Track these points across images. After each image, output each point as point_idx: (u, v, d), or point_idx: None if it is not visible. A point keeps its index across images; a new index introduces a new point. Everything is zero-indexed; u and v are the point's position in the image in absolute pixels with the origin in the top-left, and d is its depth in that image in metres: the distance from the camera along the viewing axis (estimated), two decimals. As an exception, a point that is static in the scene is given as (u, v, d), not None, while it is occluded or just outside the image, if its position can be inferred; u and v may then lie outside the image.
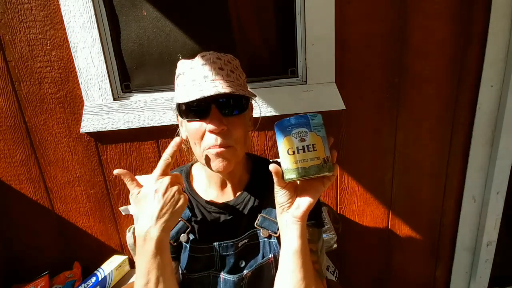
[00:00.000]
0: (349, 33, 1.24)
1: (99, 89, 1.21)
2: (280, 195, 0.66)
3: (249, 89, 0.87)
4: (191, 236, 0.81)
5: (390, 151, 1.42)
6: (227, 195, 0.85)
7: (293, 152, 0.61)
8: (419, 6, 1.23)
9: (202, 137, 0.72)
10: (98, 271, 1.28)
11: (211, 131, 0.70)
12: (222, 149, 0.71)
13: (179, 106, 0.73)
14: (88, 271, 1.33)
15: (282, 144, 0.62)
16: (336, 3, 1.19)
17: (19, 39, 1.14)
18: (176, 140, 0.71)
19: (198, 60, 0.74)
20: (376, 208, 1.49)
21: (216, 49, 0.78)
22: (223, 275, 0.79)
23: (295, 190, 0.67)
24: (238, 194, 0.84)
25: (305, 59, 1.26)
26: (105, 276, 1.25)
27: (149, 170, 1.31)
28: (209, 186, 0.85)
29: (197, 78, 0.71)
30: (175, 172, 0.89)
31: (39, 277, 1.27)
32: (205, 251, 0.80)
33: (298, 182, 0.67)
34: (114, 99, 1.24)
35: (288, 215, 0.66)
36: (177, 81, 0.75)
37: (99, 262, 1.34)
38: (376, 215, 1.51)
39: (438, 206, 1.53)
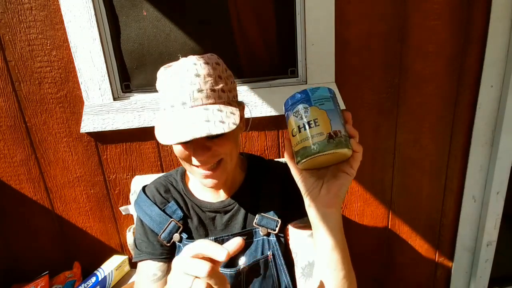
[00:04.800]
0: (349, 33, 1.24)
1: (99, 89, 1.21)
2: (299, 183, 0.61)
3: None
4: (184, 235, 0.81)
5: (390, 151, 1.42)
6: (222, 195, 0.85)
7: (295, 133, 0.54)
8: (419, 6, 1.23)
9: (188, 158, 0.70)
10: (98, 271, 1.28)
11: (196, 159, 0.69)
12: (209, 172, 0.71)
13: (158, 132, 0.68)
14: (88, 271, 1.33)
15: (288, 127, 0.57)
16: (336, 3, 1.19)
17: (19, 39, 1.14)
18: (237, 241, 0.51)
19: (175, 77, 0.67)
20: (376, 208, 1.49)
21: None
22: (220, 269, 0.80)
23: (320, 176, 0.61)
24: (233, 193, 0.84)
25: (305, 59, 1.26)
26: (105, 276, 1.25)
27: (149, 170, 1.31)
28: (202, 188, 0.85)
29: (175, 104, 0.66)
30: (170, 175, 0.90)
31: (39, 277, 1.27)
32: None
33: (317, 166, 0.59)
34: (114, 99, 1.24)
35: (318, 204, 0.60)
36: (159, 88, 0.71)
37: (99, 262, 1.34)
38: (376, 215, 1.51)
39: (438, 206, 1.53)
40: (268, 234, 0.81)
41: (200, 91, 0.66)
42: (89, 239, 1.39)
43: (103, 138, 1.27)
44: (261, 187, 0.84)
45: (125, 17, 1.20)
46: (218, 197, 0.85)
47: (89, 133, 1.25)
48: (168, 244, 0.82)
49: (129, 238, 1.29)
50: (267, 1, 1.25)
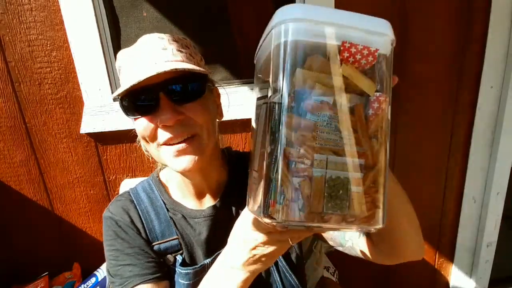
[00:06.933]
0: (349, 34, 1.24)
1: (99, 89, 1.21)
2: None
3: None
4: (179, 258, 0.68)
5: (390, 152, 1.41)
6: (206, 202, 0.73)
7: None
8: (419, 6, 1.23)
9: (154, 135, 0.59)
10: (97, 271, 1.27)
11: (164, 126, 0.57)
12: (183, 145, 0.58)
13: (121, 103, 0.61)
14: (88, 271, 1.32)
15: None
16: (336, 4, 1.19)
17: (19, 40, 1.14)
18: None
19: (136, 45, 0.62)
20: (376, 209, 1.49)
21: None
22: None
23: None
24: (219, 198, 0.72)
25: (305, 59, 1.26)
26: (105, 277, 1.25)
27: (149, 170, 1.31)
28: (183, 196, 0.72)
29: (136, 64, 0.58)
30: (139, 190, 0.75)
31: (39, 278, 1.27)
32: (197, 274, 0.67)
33: None
34: (114, 99, 1.24)
35: None
36: (120, 77, 0.65)
37: (99, 263, 1.34)
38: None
39: (438, 206, 1.53)
40: None
41: (164, 49, 0.59)
42: (88, 239, 1.38)
43: (103, 138, 1.26)
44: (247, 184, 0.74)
45: (125, 18, 1.20)
46: (202, 206, 0.72)
47: (89, 134, 1.25)
48: (159, 259, 0.68)
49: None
50: (267, 2, 1.25)
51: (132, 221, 0.69)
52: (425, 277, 1.66)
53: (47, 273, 1.29)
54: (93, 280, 1.23)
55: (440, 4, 1.24)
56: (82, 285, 1.21)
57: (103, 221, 0.71)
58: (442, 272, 1.65)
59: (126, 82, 0.57)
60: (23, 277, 1.34)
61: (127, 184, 1.15)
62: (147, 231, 0.69)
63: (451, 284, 1.67)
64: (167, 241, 0.68)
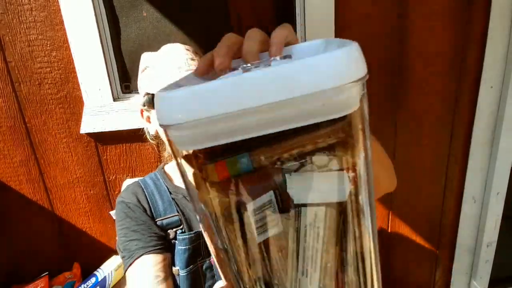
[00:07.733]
0: (348, 34, 1.24)
1: (99, 89, 1.21)
2: None
3: None
4: (179, 231, 0.80)
5: (390, 152, 1.41)
6: None
7: None
8: (419, 6, 1.23)
9: None
10: (97, 271, 1.28)
11: None
12: None
13: (151, 99, 0.74)
14: (88, 271, 1.32)
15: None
16: (336, 4, 1.19)
17: (19, 39, 1.14)
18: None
19: (166, 52, 0.76)
20: (376, 208, 1.49)
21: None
22: (213, 258, 0.78)
23: None
24: None
25: (305, 59, 1.26)
26: (104, 277, 1.25)
27: (148, 170, 1.31)
28: None
29: (171, 69, 0.72)
30: (147, 178, 0.87)
31: (39, 278, 1.27)
32: (193, 240, 0.78)
33: None
34: (114, 99, 1.24)
35: None
36: (143, 75, 0.77)
37: (99, 263, 1.34)
38: (376, 215, 1.50)
39: (438, 206, 1.53)
40: None
41: (192, 59, 0.75)
42: (88, 239, 1.38)
43: (103, 138, 1.27)
44: None
45: (125, 18, 1.21)
46: None
47: (89, 134, 1.25)
48: (162, 234, 0.78)
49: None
50: (268, 2, 1.25)
51: (139, 201, 0.81)
52: (425, 277, 1.66)
53: (47, 273, 1.29)
54: (93, 280, 1.23)
55: (440, 4, 1.24)
56: (82, 285, 1.21)
57: (115, 205, 0.84)
58: (442, 272, 1.66)
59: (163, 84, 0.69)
60: (23, 277, 1.34)
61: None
62: (152, 209, 0.81)
63: (451, 284, 1.67)
64: (168, 217, 0.80)
